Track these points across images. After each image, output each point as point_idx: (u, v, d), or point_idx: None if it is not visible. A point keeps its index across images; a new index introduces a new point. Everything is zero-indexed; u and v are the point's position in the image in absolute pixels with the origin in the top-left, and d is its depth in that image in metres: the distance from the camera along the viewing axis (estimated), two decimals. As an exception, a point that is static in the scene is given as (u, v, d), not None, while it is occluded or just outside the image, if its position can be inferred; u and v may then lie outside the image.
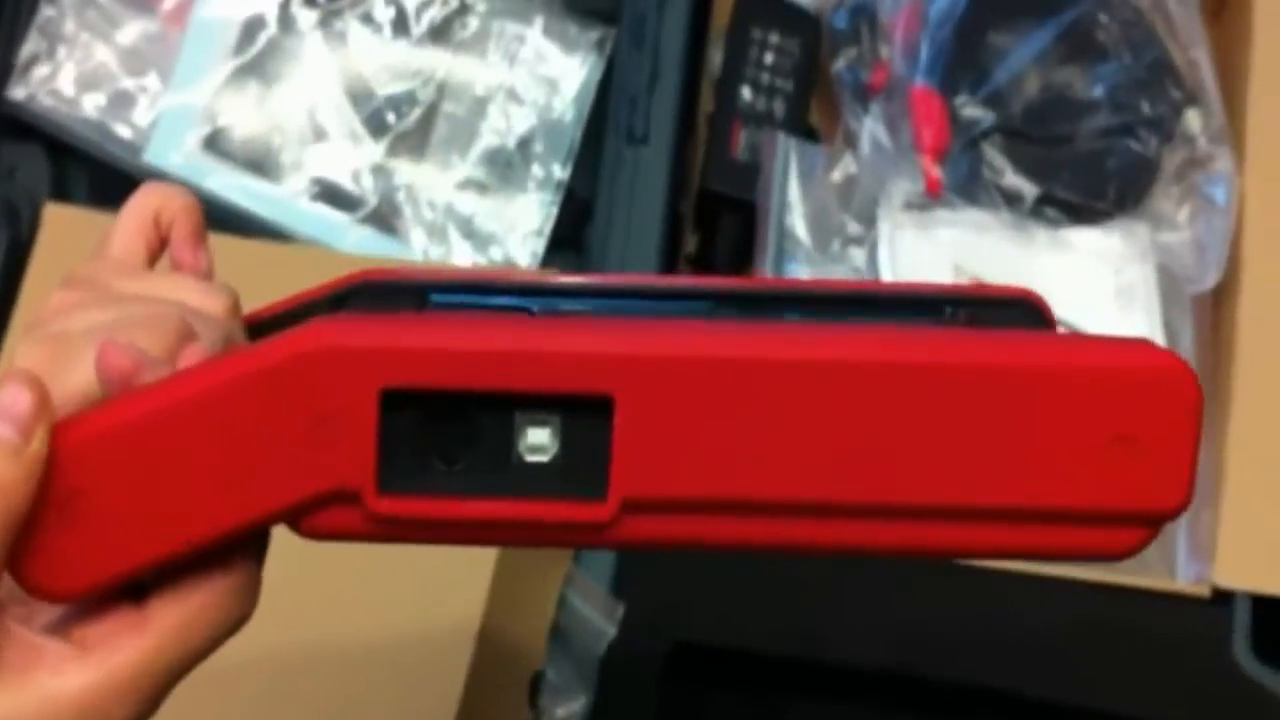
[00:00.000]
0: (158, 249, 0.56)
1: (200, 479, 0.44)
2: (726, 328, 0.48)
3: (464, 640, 0.83)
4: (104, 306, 0.51)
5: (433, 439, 0.45)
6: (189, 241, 0.55)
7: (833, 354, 0.45)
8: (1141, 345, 0.47)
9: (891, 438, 0.45)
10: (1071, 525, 0.46)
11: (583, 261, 1.03)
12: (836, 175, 1.00)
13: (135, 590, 0.45)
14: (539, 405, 0.45)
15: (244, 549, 0.46)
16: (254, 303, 0.94)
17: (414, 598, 0.84)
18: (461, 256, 1.02)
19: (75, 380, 0.47)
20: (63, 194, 1.04)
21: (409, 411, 0.44)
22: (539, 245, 1.03)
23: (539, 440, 0.45)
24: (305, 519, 0.45)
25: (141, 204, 0.56)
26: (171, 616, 0.45)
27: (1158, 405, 0.46)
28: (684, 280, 0.59)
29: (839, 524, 0.46)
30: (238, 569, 0.46)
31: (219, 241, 0.95)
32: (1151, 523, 0.47)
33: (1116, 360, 0.46)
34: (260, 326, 0.54)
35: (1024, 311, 0.56)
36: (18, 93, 1.03)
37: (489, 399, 0.45)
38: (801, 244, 0.99)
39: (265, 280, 0.96)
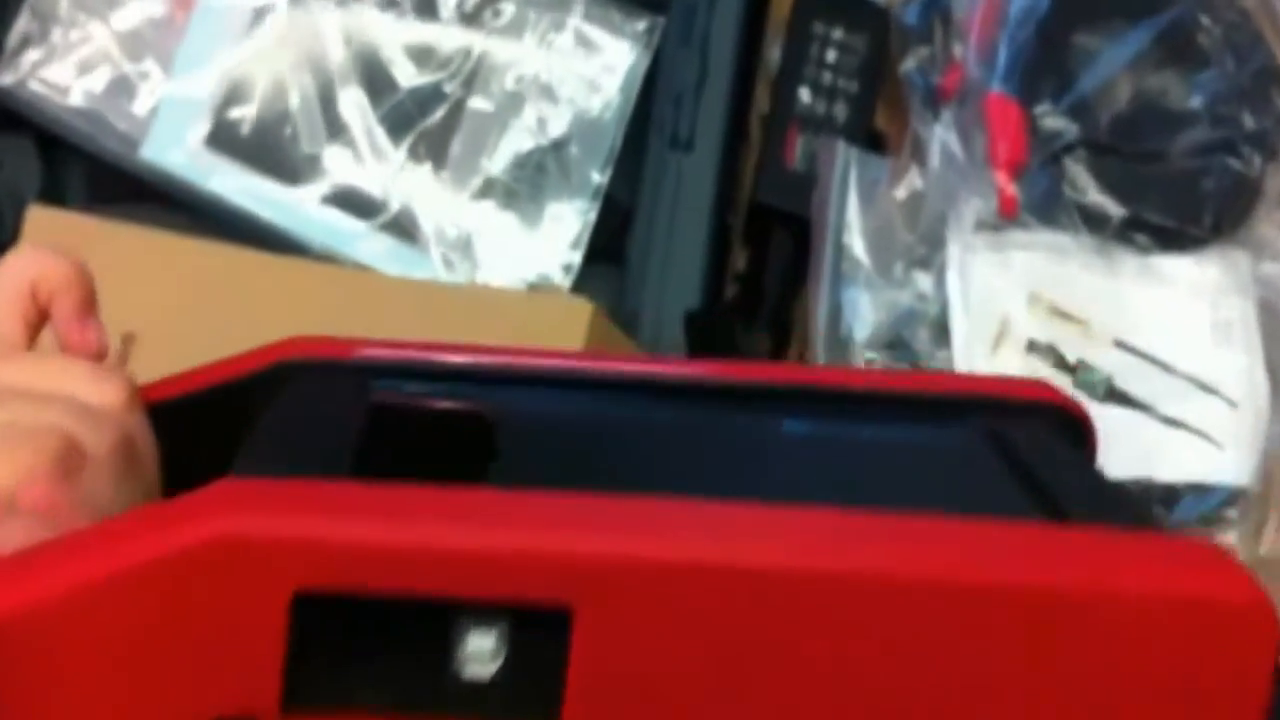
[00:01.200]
0: (38, 325, 0.48)
1: (64, 695, 0.35)
2: (713, 515, 0.38)
3: None
4: None
5: (353, 646, 0.36)
6: (77, 317, 0.48)
7: (836, 562, 0.36)
8: (1213, 563, 0.37)
9: (897, 667, 0.36)
10: None
11: (622, 276, 0.94)
12: (901, 190, 0.90)
13: None
14: (484, 610, 0.36)
15: None
16: (249, 324, 0.85)
17: None
18: (488, 270, 0.92)
19: None
20: (55, 192, 0.95)
21: (326, 614, 0.36)
22: (574, 258, 0.94)
23: (480, 649, 0.37)
24: None
25: (16, 274, 0.48)
26: None
27: (1225, 651, 0.36)
28: (670, 369, 0.49)
29: None
30: None
31: (222, 251, 0.89)
32: None
33: (1171, 585, 0.37)
34: (167, 412, 0.46)
35: (1051, 421, 0.48)
36: (6, 78, 0.94)
37: (424, 601, 0.36)
38: (861, 266, 0.90)
39: (270, 296, 0.88)
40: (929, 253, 0.90)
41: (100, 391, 0.45)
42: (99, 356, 0.48)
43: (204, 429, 0.48)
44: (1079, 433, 0.48)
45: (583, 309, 0.83)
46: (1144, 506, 0.43)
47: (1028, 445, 0.44)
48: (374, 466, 0.41)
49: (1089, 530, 0.39)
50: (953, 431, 0.45)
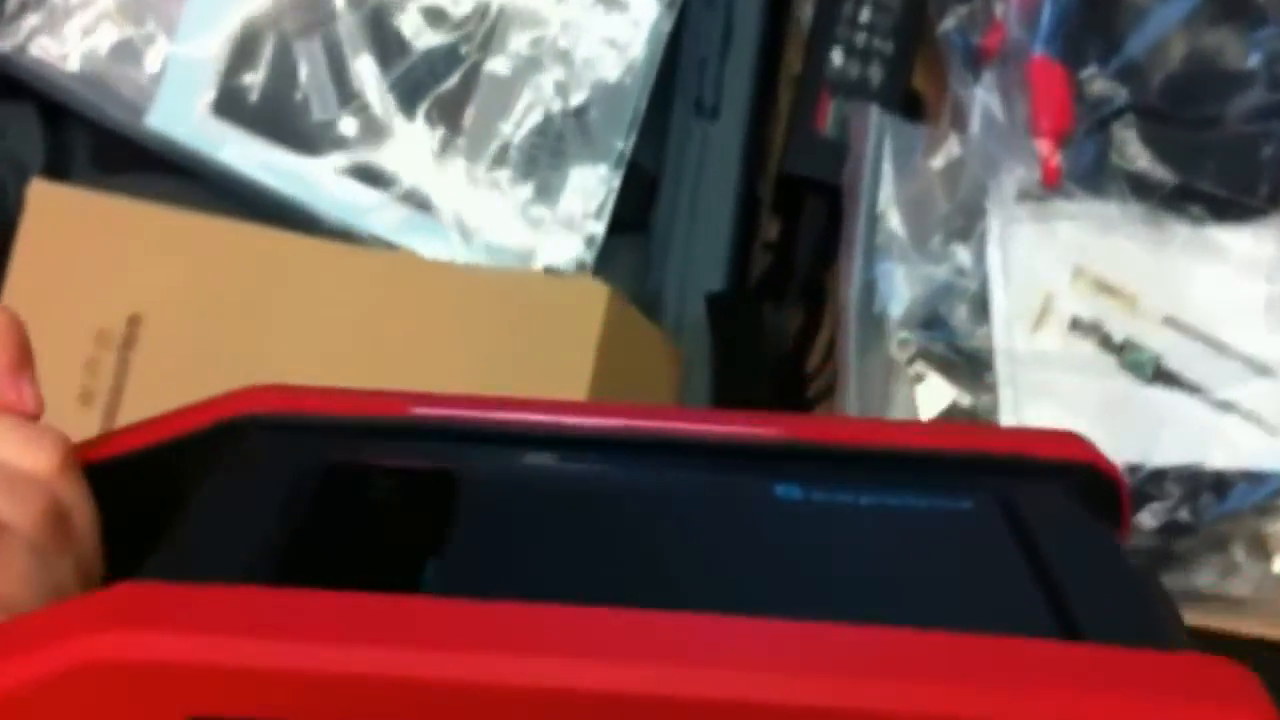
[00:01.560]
0: None
1: None
2: (643, 633, 0.34)
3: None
4: None
5: None
6: (9, 374, 0.44)
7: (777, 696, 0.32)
8: (1230, 695, 0.33)
9: None
10: None
11: (648, 246, 0.90)
12: (939, 158, 0.85)
13: None
14: None
15: None
16: (258, 307, 0.82)
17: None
18: (506, 242, 0.88)
19: None
20: (59, 163, 0.91)
21: None
22: (598, 229, 0.90)
23: None
24: None
25: None
26: None
27: None
28: (653, 422, 0.45)
29: None
30: None
31: (231, 229, 0.85)
32: None
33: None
34: (108, 472, 0.43)
35: (1080, 483, 0.43)
36: (4, 44, 0.90)
37: None
38: (896, 239, 0.85)
39: (280, 276, 0.84)
40: (968, 224, 0.85)
41: (29, 455, 0.42)
42: (33, 415, 0.44)
43: (149, 491, 0.44)
44: (1109, 495, 0.44)
45: (599, 292, 0.79)
46: (1167, 606, 0.39)
47: (1045, 523, 0.40)
48: (318, 543, 0.37)
49: (1090, 652, 0.35)
50: (962, 504, 0.41)
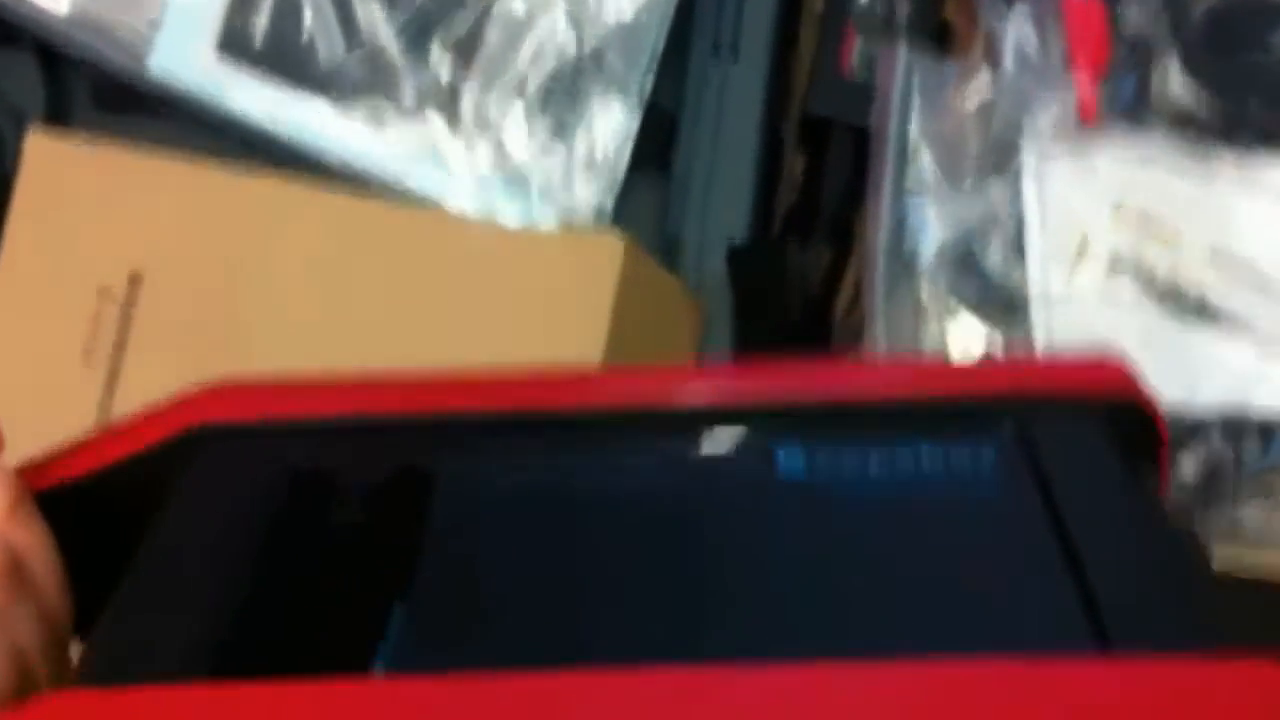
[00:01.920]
0: None
1: None
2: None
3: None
4: None
5: None
6: None
7: None
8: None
9: None
10: None
11: (668, 187, 0.87)
12: (971, 96, 0.82)
13: None
14: None
15: None
16: (263, 261, 0.79)
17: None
18: (523, 189, 0.85)
19: None
20: (59, 109, 0.89)
21: None
22: (617, 172, 0.87)
23: None
24: None
25: None
26: None
27: None
28: (646, 394, 0.41)
29: None
30: None
31: (235, 179, 0.82)
32: None
33: None
34: (65, 498, 0.41)
35: (1117, 423, 0.40)
36: (0, -11, 0.87)
37: None
38: (927, 178, 0.82)
39: (286, 230, 0.81)
40: (1001, 162, 0.82)
41: None
42: None
43: (111, 511, 0.42)
44: (1148, 431, 0.41)
45: (615, 245, 0.77)
46: (1206, 581, 0.36)
47: (1076, 486, 0.36)
48: (271, 602, 0.35)
49: (1125, 670, 0.32)
50: (984, 462, 0.38)
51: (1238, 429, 0.76)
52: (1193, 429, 0.76)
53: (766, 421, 0.40)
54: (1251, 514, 0.77)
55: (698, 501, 0.38)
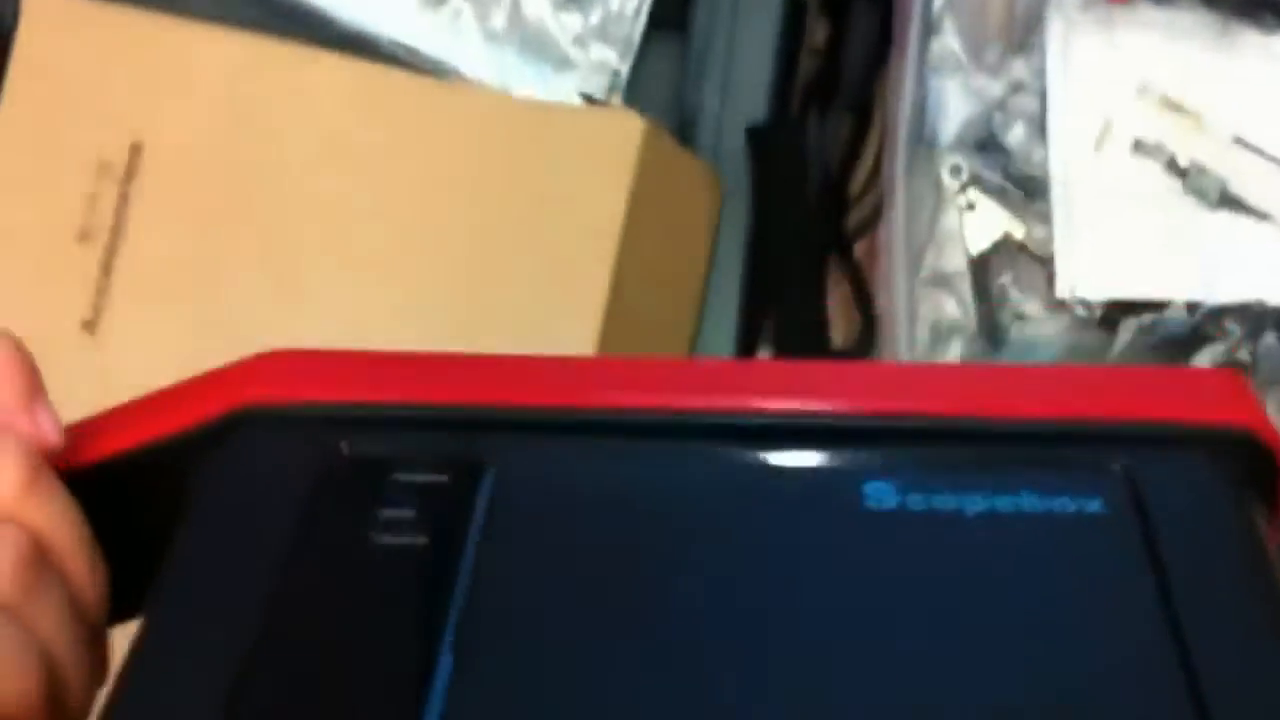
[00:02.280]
0: None
1: None
2: None
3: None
4: None
5: None
6: (23, 402, 0.38)
7: None
8: None
9: None
10: None
11: (686, 52, 0.85)
12: (997, -34, 0.80)
13: None
14: None
15: None
16: (269, 133, 0.77)
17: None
18: (536, 53, 0.83)
19: None
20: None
21: None
22: (635, 29, 0.84)
23: None
24: None
25: None
26: None
27: None
28: (720, 399, 0.39)
29: None
30: None
31: (241, 42, 0.79)
32: None
33: None
34: (84, 481, 0.39)
35: (1234, 461, 0.38)
36: None
37: None
38: (951, 50, 0.80)
39: (294, 98, 0.79)
40: (1027, 36, 0.80)
41: None
42: (54, 448, 0.38)
43: (147, 493, 0.40)
44: (1265, 466, 0.39)
45: (634, 126, 0.75)
46: None
47: (1186, 541, 0.35)
48: (326, 590, 0.35)
49: None
50: (1090, 504, 0.36)
51: (1257, 322, 0.76)
52: (1211, 321, 0.76)
53: (854, 442, 0.38)
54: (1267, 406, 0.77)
55: (780, 534, 0.36)
